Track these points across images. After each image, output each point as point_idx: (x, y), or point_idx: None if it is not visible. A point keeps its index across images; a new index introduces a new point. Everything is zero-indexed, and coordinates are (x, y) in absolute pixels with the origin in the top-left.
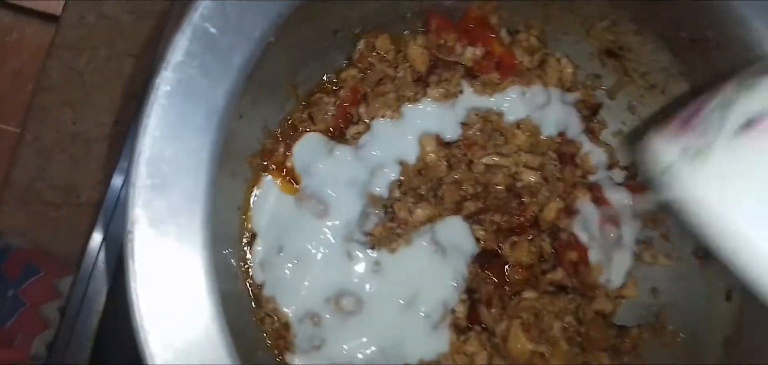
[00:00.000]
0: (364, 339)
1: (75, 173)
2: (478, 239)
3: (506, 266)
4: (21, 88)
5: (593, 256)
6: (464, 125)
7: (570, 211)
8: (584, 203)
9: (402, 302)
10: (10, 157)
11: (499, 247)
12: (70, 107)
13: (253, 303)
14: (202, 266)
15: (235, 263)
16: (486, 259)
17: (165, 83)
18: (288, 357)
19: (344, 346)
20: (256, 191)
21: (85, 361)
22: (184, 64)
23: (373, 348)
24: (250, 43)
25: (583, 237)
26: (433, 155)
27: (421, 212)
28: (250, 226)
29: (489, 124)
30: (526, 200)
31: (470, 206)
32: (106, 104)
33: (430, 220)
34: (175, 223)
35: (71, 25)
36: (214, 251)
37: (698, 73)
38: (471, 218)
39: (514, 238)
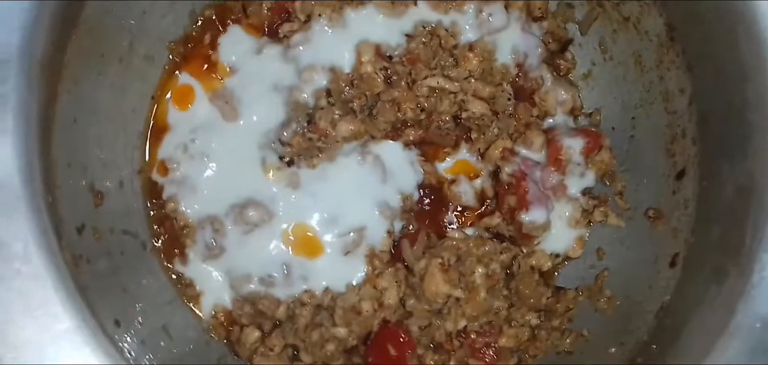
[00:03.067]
0: (270, 254)
1: None
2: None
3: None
4: None
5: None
6: (409, 36)
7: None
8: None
9: (316, 221)
10: None
11: (440, 183)
12: None
13: (150, 203)
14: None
15: (135, 155)
16: (426, 193)
17: None
18: (178, 264)
19: (245, 258)
20: (175, 81)
21: None
22: None
23: (277, 265)
24: None
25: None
26: (369, 67)
27: (345, 127)
28: (161, 118)
29: (436, 38)
30: (473, 134)
31: (411, 133)
32: None
33: (357, 137)
34: None
35: None
36: (95, 117)
37: (674, 6)
38: (411, 147)
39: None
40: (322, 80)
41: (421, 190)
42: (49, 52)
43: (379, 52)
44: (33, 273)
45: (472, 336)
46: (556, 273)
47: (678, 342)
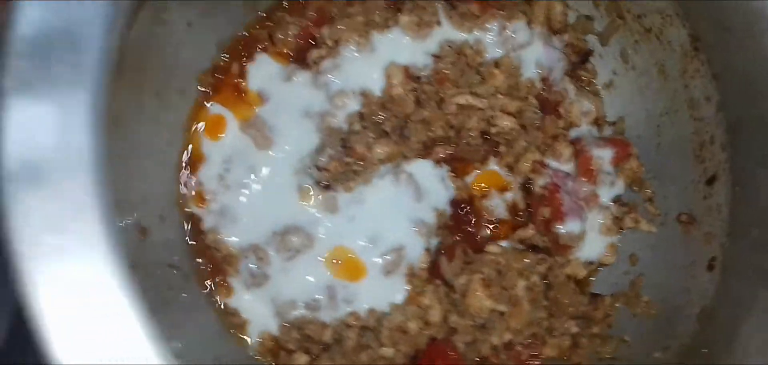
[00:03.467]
0: (312, 279)
1: None
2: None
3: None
4: None
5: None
6: (436, 57)
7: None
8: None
9: (356, 243)
10: None
11: (471, 197)
12: None
13: (187, 236)
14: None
15: (172, 188)
16: (458, 209)
17: None
18: (223, 296)
19: (289, 284)
20: (206, 112)
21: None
22: None
23: (321, 289)
24: None
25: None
26: (399, 89)
27: (380, 150)
28: (195, 149)
29: (463, 58)
30: (501, 149)
31: (440, 150)
32: None
33: (391, 159)
34: (56, 101)
35: None
36: (136, 156)
37: (698, 17)
38: (442, 164)
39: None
40: (354, 105)
41: (453, 206)
42: (106, 94)
43: (408, 73)
44: (120, 319)
45: (518, 348)
46: (591, 280)
47: (731, 346)
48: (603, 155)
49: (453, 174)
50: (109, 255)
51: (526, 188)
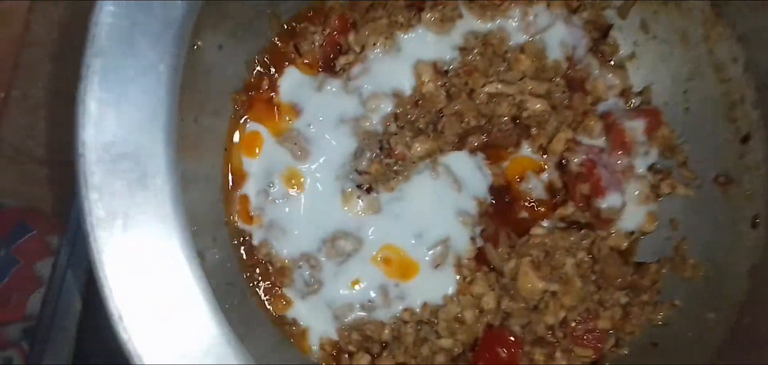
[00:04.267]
0: (364, 282)
1: (65, 130)
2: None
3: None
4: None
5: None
6: (463, 49)
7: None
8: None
9: (403, 240)
10: None
11: (509, 182)
12: (56, 63)
13: (242, 252)
14: (170, 200)
15: (220, 209)
16: (498, 195)
17: None
18: (280, 307)
19: (343, 288)
20: (242, 129)
21: (77, 316)
22: None
23: (374, 290)
24: None
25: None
26: (430, 85)
27: (419, 147)
28: (236, 168)
29: (489, 48)
30: (533, 131)
31: (474, 140)
32: None
33: (430, 155)
34: (134, 143)
35: None
36: (184, 182)
37: None
38: (476, 153)
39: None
40: (387, 106)
41: (493, 192)
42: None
43: (437, 68)
44: (205, 328)
45: (572, 324)
46: (634, 250)
47: None
48: (636, 126)
49: (488, 161)
50: (193, 276)
51: (560, 166)
